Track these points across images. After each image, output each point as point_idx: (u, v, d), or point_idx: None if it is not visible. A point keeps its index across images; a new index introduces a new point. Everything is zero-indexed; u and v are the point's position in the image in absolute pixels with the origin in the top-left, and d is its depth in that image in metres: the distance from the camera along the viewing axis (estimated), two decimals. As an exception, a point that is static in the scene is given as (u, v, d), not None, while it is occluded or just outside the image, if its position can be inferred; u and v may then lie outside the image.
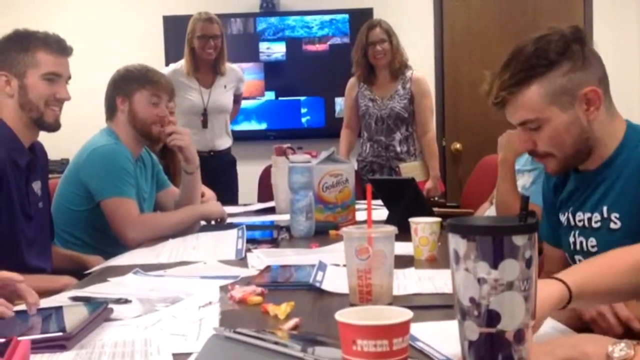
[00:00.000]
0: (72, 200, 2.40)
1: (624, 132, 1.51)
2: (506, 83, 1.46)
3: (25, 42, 1.99)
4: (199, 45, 3.74)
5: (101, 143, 2.41)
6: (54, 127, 2.04)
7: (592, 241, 1.55)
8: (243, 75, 4.15)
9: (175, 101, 2.75)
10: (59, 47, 2.03)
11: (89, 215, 2.38)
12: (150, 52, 4.71)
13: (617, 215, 1.48)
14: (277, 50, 5.02)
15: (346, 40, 4.94)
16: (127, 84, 2.48)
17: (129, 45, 4.94)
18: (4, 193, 1.89)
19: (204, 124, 3.82)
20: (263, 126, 5.04)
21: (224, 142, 3.97)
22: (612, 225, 1.49)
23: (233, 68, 4.00)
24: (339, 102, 4.86)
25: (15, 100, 1.98)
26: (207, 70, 3.84)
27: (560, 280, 1.10)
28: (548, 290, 1.07)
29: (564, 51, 1.44)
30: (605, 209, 1.51)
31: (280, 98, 5.05)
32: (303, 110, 5.03)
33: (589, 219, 1.55)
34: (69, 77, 2.07)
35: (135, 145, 2.50)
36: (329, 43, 4.99)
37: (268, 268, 1.74)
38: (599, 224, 1.53)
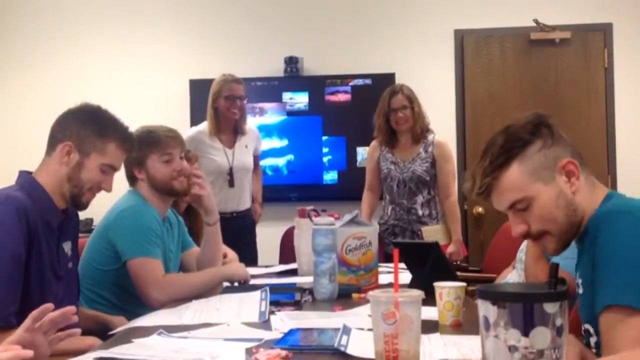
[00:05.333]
0: (99, 260, 2.42)
1: (600, 201, 1.55)
2: (488, 170, 1.52)
3: (104, 129, 2.04)
4: (225, 106, 3.82)
5: (129, 203, 2.44)
6: (83, 207, 2.08)
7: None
8: (259, 134, 4.24)
9: (199, 161, 2.78)
10: (129, 146, 2.11)
11: (116, 275, 2.40)
12: (176, 115, 4.80)
13: (581, 281, 1.54)
14: (299, 100, 5.14)
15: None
16: (136, 153, 2.48)
17: (156, 107, 5.05)
18: (35, 253, 1.91)
19: (231, 183, 3.87)
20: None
21: (247, 202, 4.01)
22: (580, 291, 1.55)
23: (251, 128, 4.10)
24: (361, 152, 4.97)
25: (66, 170, 2.01)
26: (229, 130, 3.92)
27: None
28: None
29: (533, 131, 1.52)
30: (577, 275, 1.57)
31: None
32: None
33: (577, 285, 1.61)
34: (118, 170, 2.13)
35: (161, 205, 2.53)
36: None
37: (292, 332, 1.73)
38: (577, 290, 1.58)
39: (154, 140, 2.50)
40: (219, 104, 3.84)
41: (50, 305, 1.51)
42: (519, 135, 1.51)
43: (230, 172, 3.87)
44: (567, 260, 1.90)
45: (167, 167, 2.49)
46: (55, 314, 1.51)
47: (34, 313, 1.49)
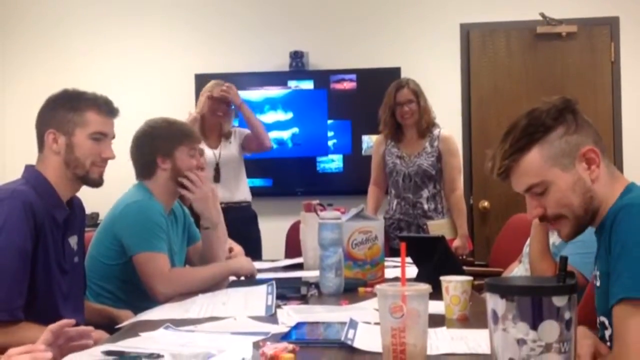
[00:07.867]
0: (105, 254, 2.42)
1: (620, 193, 1.54)
2: (508, 152, 1.53)
3: (75, 102, 2.05)
4: (215, 108, 3.91)
5: (135, 198, 2.43)
6: (98, 182, 2.09)
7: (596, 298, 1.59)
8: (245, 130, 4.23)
9: None
10: (108, 109, 2.10)
11: (122, 269, 2.39)
12: (181, 109, 4.78)
13: (598, 274, 1.52)
14: (305, 87, 5.14)
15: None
16: (165, 142, 2.48)
17: (162, 101, 5.05)
18: (41, 248, 1.92)
19: (216, 179, 3.92)
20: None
21: (239, 194, 4.03)
22: (597, 283, 1.53)
23: (235, 128, 4.17)
24: (366, 140, 4.98)
25: (61, 157, 2.03)
26: (214, 135, 3.99)
27: None
28: None
29: (557, 117, 1.52)
30: (595, 267, 1.56)
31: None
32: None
33: (595, 277, 1.59)
34: (113, 137, 2.13)
35: (169, 199, 2.53)
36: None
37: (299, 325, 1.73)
38: (594, 282, 1.57)
39: (186, 134, 2.52)
40: (205, 106, 3.92)
41: (70, 321, 1.51)
42: (541, 120, 1.51)
43: (217, 168, 3.93)
44: (575, 256, 1.89)
45: (191, 161, 2.50)
46: (73, 333, 1.51)
47: (54, 327, 1.49)
